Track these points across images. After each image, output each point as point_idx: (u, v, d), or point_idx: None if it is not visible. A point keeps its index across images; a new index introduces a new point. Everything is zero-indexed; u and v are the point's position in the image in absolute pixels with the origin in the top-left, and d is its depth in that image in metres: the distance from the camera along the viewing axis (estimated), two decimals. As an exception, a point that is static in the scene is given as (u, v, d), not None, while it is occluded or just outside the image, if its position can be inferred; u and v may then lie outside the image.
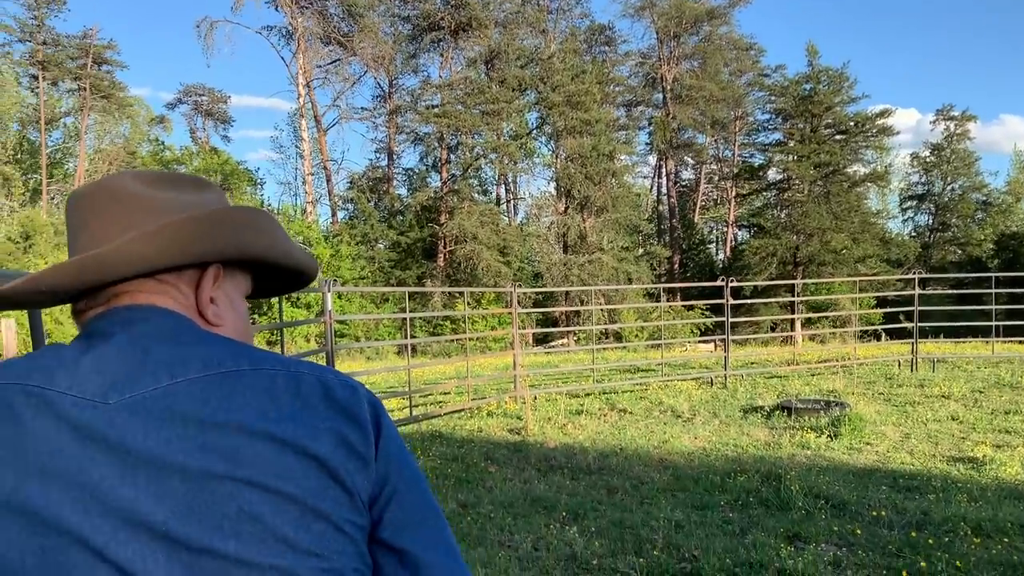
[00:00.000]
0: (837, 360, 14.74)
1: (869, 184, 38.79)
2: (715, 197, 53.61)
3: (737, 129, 47.41)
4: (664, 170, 47.60)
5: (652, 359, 16.04)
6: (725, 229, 49.59)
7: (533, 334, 29.03)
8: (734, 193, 46.21)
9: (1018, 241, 39.69)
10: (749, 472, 6.91)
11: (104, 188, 0.92)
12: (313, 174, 41.68)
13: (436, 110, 36.75)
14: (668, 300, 35.27)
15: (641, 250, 41.91)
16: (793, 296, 25.79)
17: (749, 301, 26.63)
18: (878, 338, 19.72)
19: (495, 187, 42.93)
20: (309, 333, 29.14)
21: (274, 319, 27.06)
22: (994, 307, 14.90)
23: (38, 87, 39.64)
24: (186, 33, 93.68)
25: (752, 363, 15.43)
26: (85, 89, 40.17)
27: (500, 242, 34.94)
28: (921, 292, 14.38)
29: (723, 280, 13.33)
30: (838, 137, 37.61)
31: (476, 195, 38.55)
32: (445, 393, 12.67)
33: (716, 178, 52.29)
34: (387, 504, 0.85)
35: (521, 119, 38.73)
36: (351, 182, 42.31)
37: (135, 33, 72.70)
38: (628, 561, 4.68)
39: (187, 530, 0.73)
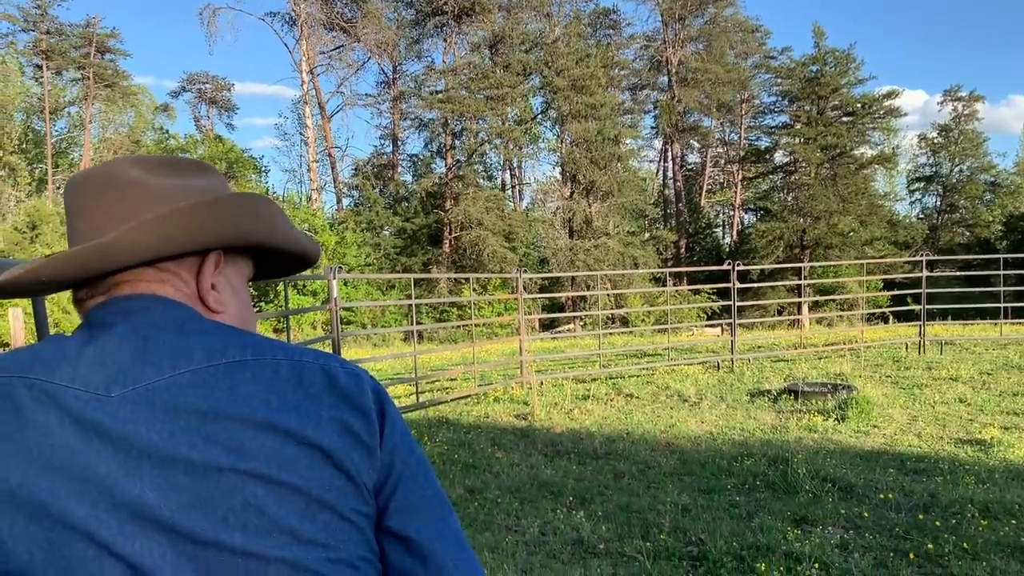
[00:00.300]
0: (844, 343, 14.71)
1: (876, 166, 38.55)
2: (721, 180, 53.39)
3: (743, 112, 47.14)
4: (670, 154, 47.40)
5: (659, 344, 16.04)
6: (731, 213, 49.44)
7: (539, 320, 29.04)
8: (740, 176, 46.02)
9: (1027, 222, 39.49)
10: (756, 456, 6.91)
11: (102, 175, 0.91)
12: (318, 161, 41.64)
13: (440, 96, 36.62)
14: (674, 284, 35.26)
15: (647, 234, 41.79)
16: (800, 279, 25.70)
17: (756, 285, 26.55)
18: (885, 321, 19.67)
19: (500, 173, 42.83)
20: (315, 320, 29.21)
21: (280, 306, 27.12)
22: (1002, 289, 14.83)
23: (42, 77, 39.62)
24: (189, 21, 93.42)
25: (759, 347, 15.42)
26: (89, 78, 40.13)
27: (505, 228, 34.89)
28: (929, 274, 14.34)
29: (730, 264, 13.30)
30: (845, 119, 37.38)
31: (481, 181, 38.45)
32: (451, 379, 12.70)
33: (722, 161, 52.05)
34: (392, 492, 0.86)
35: (526, 104, 38.58)
36: (356, 169, 42.25)
37: (138, 21, 72.61)
38: (635, 545, 4.70)
39: (193, 523, 0.73)
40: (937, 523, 4.92)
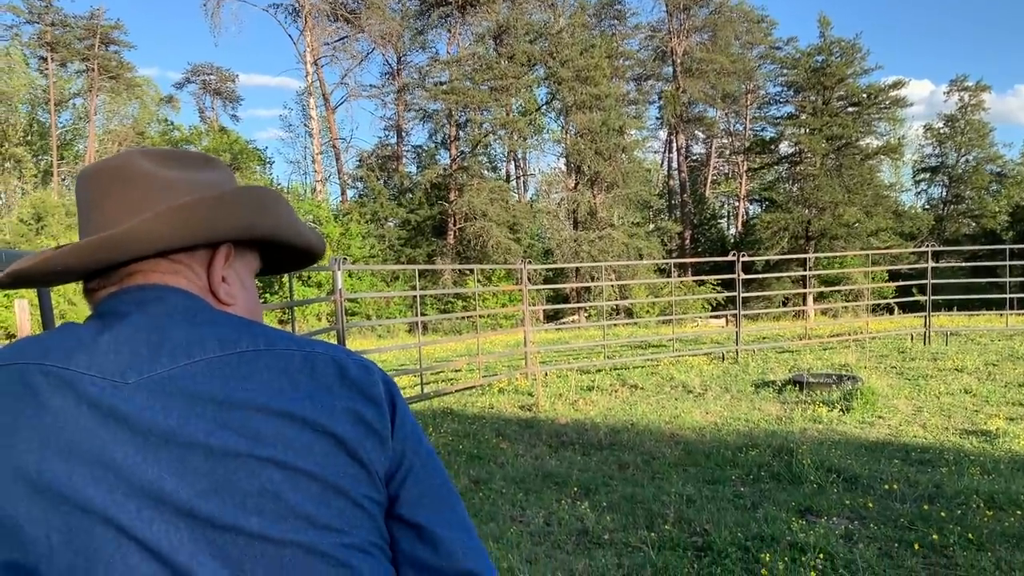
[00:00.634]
0: (849, 334, 14.69)
1: (882, 157, 38.42)
2: (726, 171, 53.28)
3: (748, 102, 47.01)
4: (675, 144, 47.31)
5: (663, 335, 16.03)
6: (736, 203, 49.34)
7: (543, 311, 29.06)
8: (745, 167, 45.91)
9: (1033, 213, 39.33)
10: (761, 446, 6.91)
11: (114, 167, 0.92)
12: (322, 153, 41.63)
13: (444, 87, 36.55)
14: (679, 275, 35.19)
15: (652, 225, 41.73)
16: (805, 270, 25.65)
17: (761, 276, 26.54)
18: (891, 312, 19.64)
19: (504, 164, 42.80)
20: (320, 312, 29.24)
21: (285, 298, 27.15)
22: (1008, 279, 14.80)
23: (47, 68, 39.66)
24: (193, 12, 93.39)
25: (764, 338, 15.40)
26: (93, 70, 40.16)
27: (510, 219, 34.86)
28: (934, 265, 14.29)
29: (735, 255, 13.27)
30: (850, 109, 37.23)
31: (485, 172, 38.41)
32: (456, 370, 12.71)
33: (727, 152, 51.93)
34: (403, 481, 0.88)
35: (530, 95, 38.51)
36: (360, 160, 42.26)
37: (142, 13, 72.52)
38: (640, 536, 4.70)
39: (211, 508, 0.75)
40: (942, 514, 4.92)
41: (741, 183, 47.17)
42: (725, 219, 52.78)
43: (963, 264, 31.70)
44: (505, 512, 5.33)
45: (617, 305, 29.74)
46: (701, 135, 51.04)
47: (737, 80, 44.89)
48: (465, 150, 37.73)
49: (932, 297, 14.04)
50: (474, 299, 21.54)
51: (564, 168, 38.96)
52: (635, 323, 20.58)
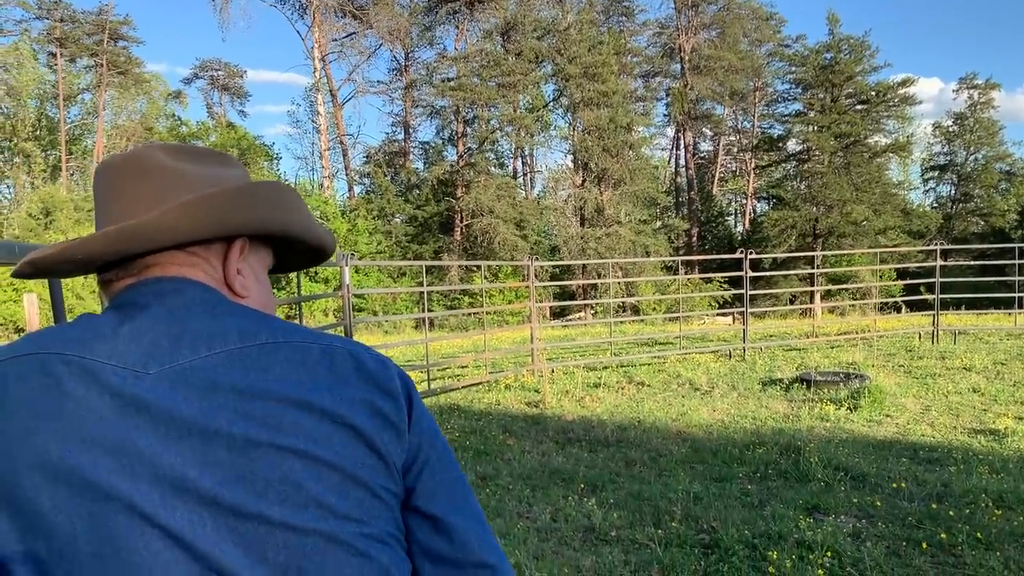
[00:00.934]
0: (857, 332, 14.64)
1: (890, 155, 38.28)
2: (734, 169, 53.15)
3: (756, 100, 46.86)
4: (682, 142, 47.20)
5: (670, 332, 16.01)
6: (744, 201, 49.23)
7: (550, 307, 29.04)
8: (753, 164, 45.79)
9: (1042, 211, 39.15)
10: (768, 444, 6.90)
11: (135, 160, 0.93)
12: (330, 149, 41.69)
13: (452, 83, 36.55)
14: (686, 273, 35.17)
15: (659, 223, 41.67)
16: (813, 268, 25.58)
17: (768, 273, 26.41)
18: (898, 310, 19.56)
19: (512, 160, 42.77)
20: (327, 307, 29.32)
21: (292, 293, 27.22)
22: (1017, 278, 14.70)
23: (56, 64, 39.78)
24: (201, 7, 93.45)
25: (771, 336, 15.37)
26: (102, 65, 40.27)
27: (517, 216, 34.85)
28: (943, 264, 14.23)
29: (742, 252, 13.23)
30: (859, 107, 37.11)
31: (492, 168, 38.39)
32: (463, 366, 12.72)
33: (735, 149, 51.80)
34: (420, 473, 0.90)
35: (537, 91, 38.47)
36: (368, 156, 42.32)
37: (150, 8, 72.60)
38: (647, 532, 4.70)
39: (234, 496, 0.76)
40: (950, 513, 4.90)
41: (749, 180, 47.05)
42: (732, 217, 52.67)
43: (972, 263, 31.57)
44: (512, 508, 5.34)
45: (624, 302, 29.71)
46: (709, 132, 50.93)
47: (745, 77, 44.77)
48: (472, 146, 37.72)
49: (940, 296, 13.98)
50: (481, 295, 21.57)
51: (571, 165, 38.93)
52: (642, 320, 20.55)
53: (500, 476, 6.19)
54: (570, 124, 38.28)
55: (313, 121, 42.83)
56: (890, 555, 4.29)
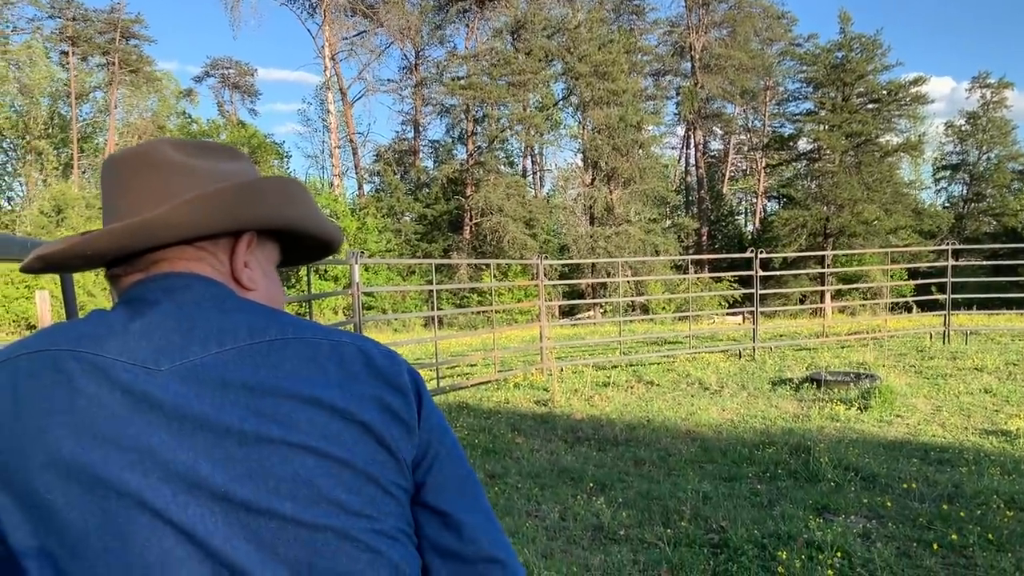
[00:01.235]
0: (868, 332, 14.58)
1: (902, 154, 38.12)
2: (744, 168, 53.00)
3: (767, 99, 46.69)
4: (692, 141, 47.09)
5: (680, 331, 15.98)
6: (754, 200, 49.08)
7: (559, 306, 29.04)
8: (763, 164, 45.65)
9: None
10: (777, 444, 6.88)
11: (142, 155, 0.93)
12: (340, 147, 41.77)
13: (462, 82, 36.56)
14: (696, 272, 35.08)
15: (669, 222, 41.61)
16: (823, 268, 25.50)
17: (778, 273, 26.39)
18: (909, 310, 19.46)
19: (521, 159, 42.77)
20: (337, 305, 29.38)
21: (303, 291, 27.29)
22: (1030, 279, 14.63)
23: (68, 62, 39.99)
24: (212, 6, 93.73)
25: (781, 335, 15.32)
26: (114, 64, 40.47)
27: (526, 214, 34.84)
28: (954, 263, 14.15)
29: (752, 252, 13.19)
30: (870, 106, 36.96)
31: (502, 167, 38.40)
32: (472, 365, 12.73)
33: (745, 148, 51.64)
34: (430, 469, 0.90)
35: (547, 90, 38.42)
36: (377, 155, 42.37)
37: (162, 7, 72.91)
38: (655, 532, 4.70)
39: (246, 492, 0.76)
40: (962, 514, 4.88)
41: (759, 180, 46.90)
42: (742, 216, 52.51)
43: (983, 263, 31.34)
44: (520, 507, 5.34)
45: (633, 301, 29.69)
46: (719, 131, 50.78)
47: (756, 76, 44.59)
48: (482, 145, 37.72)
49: (952, 296, 13.91)
50: (490, 294, 21.59)
51: (581, 164, 38.88)
52: (651, 319, 20.52)
53: (509, 474, 6.19)
54: (580, 123, 38.25)
55: (323, 119, 42.97)
56: (900, 556, 4.27)
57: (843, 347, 13.56)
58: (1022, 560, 4.15)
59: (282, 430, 0.79)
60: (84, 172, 39.52)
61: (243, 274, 0.94)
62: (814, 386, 9.65)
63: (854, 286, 30.47)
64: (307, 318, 1.02)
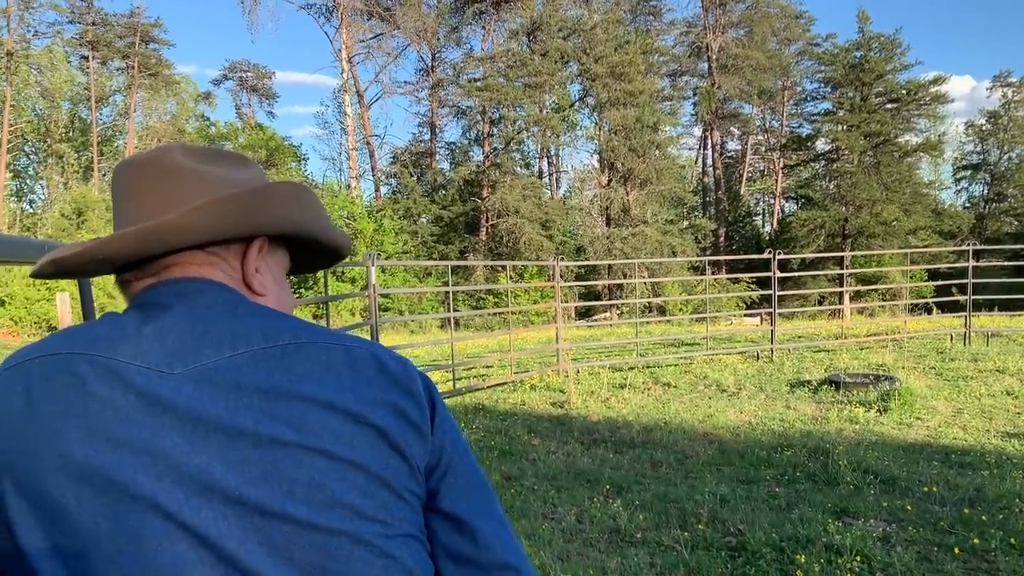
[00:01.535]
0: (887, 334, 14.46)
1: (921, 154, 37.77)
2: (762, 168, 52.76)
3: (784, 99, 46.45)
4: (709, 141, 46.92)
5: (697, 333, 15.91)
6: (772, 201, 48.84)
7: (576, 308, 28.98)
8: (781, 164, 45.39)
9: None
10: (796, 447, 6.83)
11: (154, 160, 0.93)
12: (357, 149, 41.97)
13: (478, 83, 36.61)
14: (713, 273, 34.93)
15: (686, 223, 41.46)
16: (842, 269, 25.32)
17: (796, 274, 26.23)
18: (929, 311, 19.31)
19: (537, 160, 42.79)
20: (354, 307, 29.48)
21: (320, 292, 27.41)
22: (1052, 279, 14.45)
23: (88, 66, 40.41)
24: (230, 10, 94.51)
25: (799, 337, 15.22)
26: (133, 67, 40.89)
27: (542, 216, 34.84)
28: (975, 264, 14.01)
29: (770, 253, 13.12)
30: (889, 106, 36.66)
31: (518, 169, 38.42)
32: (488, 366, 12.73)
33: (763, 149, 51.40)
34: (443, 475, 0.90)
35: (563, 91, 38.41)
36: (394, 157, 42.51)
37: (181, 11, 73.50)
38: (672, 535, 4.67)
39: (260, 496, 0.76)
40: (983, 518, 4.82)
41: (777, 180, 46.65)
42: (760, 217, 52.27)
43: (1005, 263, 31.01)
44: (537, 509, 5.33)
45: (650, 303, 29.58)
46: (736, 132, 50.59)
47: (773, 76, 44.39)
48: (498, 147, 37.75)
49: (972, 297, 13.77)
50: (506, 295, 21.59)
51: (597, 165, 38.83)
52: (668, 321, 20.43)
53: (525, 477, 6.18)
54: (596, 124, 38.19)
55: (340, 122, 43.16)
56: (921, 560, 4.23)
57: (862, 349, 13.45)
58: (1045, 565, 4.10)
59: (296, 433, 0.78)
60: (104, 175, 39.91)
61: (254, 279, 0.94)
62: (833, 388, 9.57)
63: (873, 287, 30.24)
64: (324, 319, 1.02)
